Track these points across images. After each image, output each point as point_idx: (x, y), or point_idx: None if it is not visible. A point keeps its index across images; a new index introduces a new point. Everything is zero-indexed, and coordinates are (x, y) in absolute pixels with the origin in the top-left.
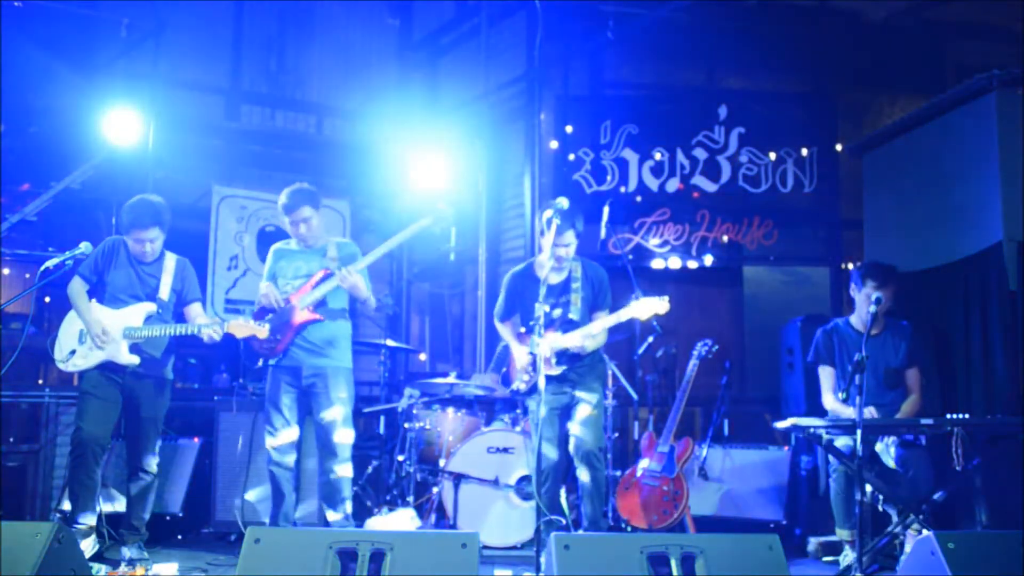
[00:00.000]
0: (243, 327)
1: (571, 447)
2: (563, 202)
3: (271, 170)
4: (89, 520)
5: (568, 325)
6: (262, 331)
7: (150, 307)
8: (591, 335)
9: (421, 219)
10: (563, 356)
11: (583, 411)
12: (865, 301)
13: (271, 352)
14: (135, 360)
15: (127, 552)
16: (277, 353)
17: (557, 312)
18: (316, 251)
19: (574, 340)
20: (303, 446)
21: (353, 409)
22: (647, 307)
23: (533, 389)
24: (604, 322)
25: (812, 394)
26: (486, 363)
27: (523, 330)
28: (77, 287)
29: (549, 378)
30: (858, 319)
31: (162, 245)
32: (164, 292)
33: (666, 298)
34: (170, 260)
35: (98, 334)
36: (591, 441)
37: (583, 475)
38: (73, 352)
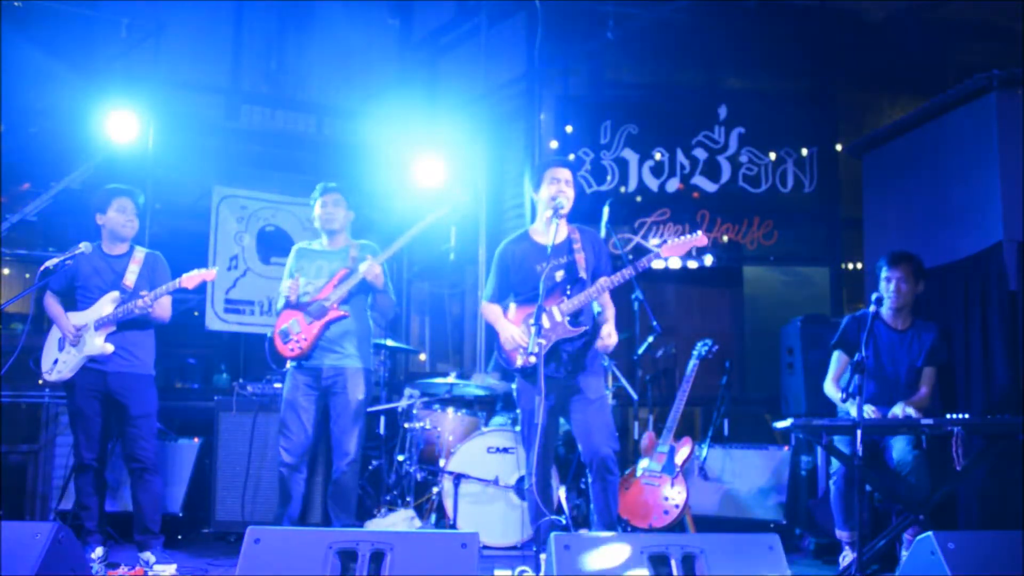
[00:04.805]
0: (194, 277)
1: (583, 455)
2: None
3: (271, 170)
4: (99, 526)
5: (578, 285)
6: (211, 274)
7: (114, 294)
8: (611, 285)
9: (437, 209)
10: (576, 317)
11: (588, 407)
12: (884, 287)
13: (298, 351)
14: (110, 348)
15: (149, 556)
16: (304, 353)
17: (560, 274)
18: (338, 252)
19: (592, 292)
20: (314, 450)
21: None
22: (682, 245)
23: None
24: (624, 273)
25: (812, 394)
26: (486, 363)
27: (513, 306)
28: (49, 299)
29: (546, 357)
30: (887, 310)
31: (136, 230)
32: (129, 279)
33: (700, 232)
34: (139, 252)
35: (70, 331)
36: (606, 446)
37: (597, 486)
38: (56, 361)
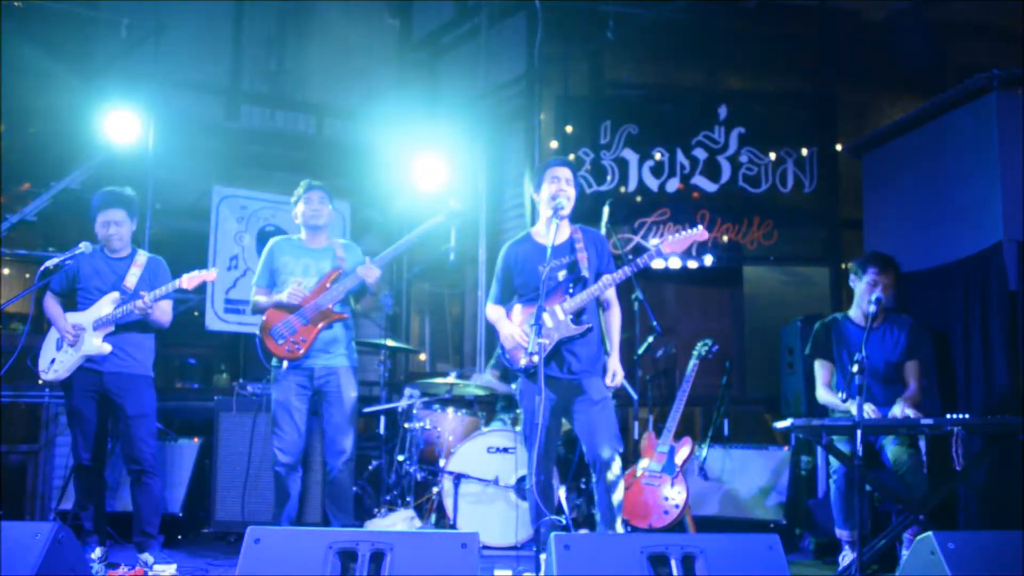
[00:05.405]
0: (194, 278)
1: (586, 455)
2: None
3: (271, 170)
4: (98, 526)
5: (580, 284)
6: (211, 274)
7: (114, 295)
8: (613, 282)
9: (433, 217)
10: (579, 316)
11: (591, 408)
12: (867, 290)
13: (295, 354)
14: (107, 348)
15: (148, 557)
16: (300, 354)
17: (562, 274)
18: (323, 250)
19: (594, 290)
20: (308, 448)
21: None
22: (682, 241)
23: (544, 359)
24: (625, 270)
25: (812, 394)
26: (486, 363)
27: (518, 307)
28: (49, 300)
29: (547, 357)
30: (857, 311)
31: (130, 235)
32: (130, 281)
33: (700, 226)
34: (141, 256)
35: (68, 331)
36: (609, 447)
37: (601, 486)
38: (53, 360)
